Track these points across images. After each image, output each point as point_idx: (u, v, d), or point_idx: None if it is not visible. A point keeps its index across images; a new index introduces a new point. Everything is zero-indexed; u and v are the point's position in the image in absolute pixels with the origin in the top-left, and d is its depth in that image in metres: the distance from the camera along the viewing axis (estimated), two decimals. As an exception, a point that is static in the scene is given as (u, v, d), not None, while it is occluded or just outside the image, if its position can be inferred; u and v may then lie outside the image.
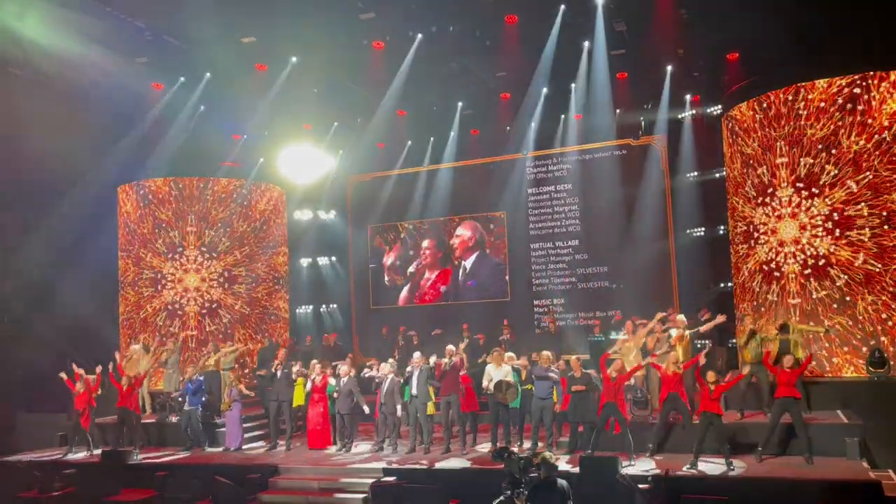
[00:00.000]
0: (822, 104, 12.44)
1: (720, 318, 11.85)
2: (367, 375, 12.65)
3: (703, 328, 11.95)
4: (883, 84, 12.20)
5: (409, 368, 11.84)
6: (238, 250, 16.84)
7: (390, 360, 12.32)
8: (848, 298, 12.19)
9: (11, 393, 14.32)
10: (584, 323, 17.77)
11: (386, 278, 20.52)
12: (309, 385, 12.55)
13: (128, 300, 16.65)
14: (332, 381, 12.37)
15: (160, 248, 16.39)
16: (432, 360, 11.72)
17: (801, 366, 10.33)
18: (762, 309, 13.02)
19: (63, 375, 12.86)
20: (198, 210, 16.54)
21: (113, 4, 12.73)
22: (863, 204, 12.18)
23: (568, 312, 18.31)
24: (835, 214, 12.35)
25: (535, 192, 18.99)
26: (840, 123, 12.30)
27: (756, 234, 13.33)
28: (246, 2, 12.91)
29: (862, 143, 12.17)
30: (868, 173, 12.15)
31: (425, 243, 20.17)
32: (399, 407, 11.64)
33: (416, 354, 11.99)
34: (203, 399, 12.90)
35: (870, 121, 12.19)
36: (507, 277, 19.20)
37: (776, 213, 12.95)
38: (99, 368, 13.04)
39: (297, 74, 15.30)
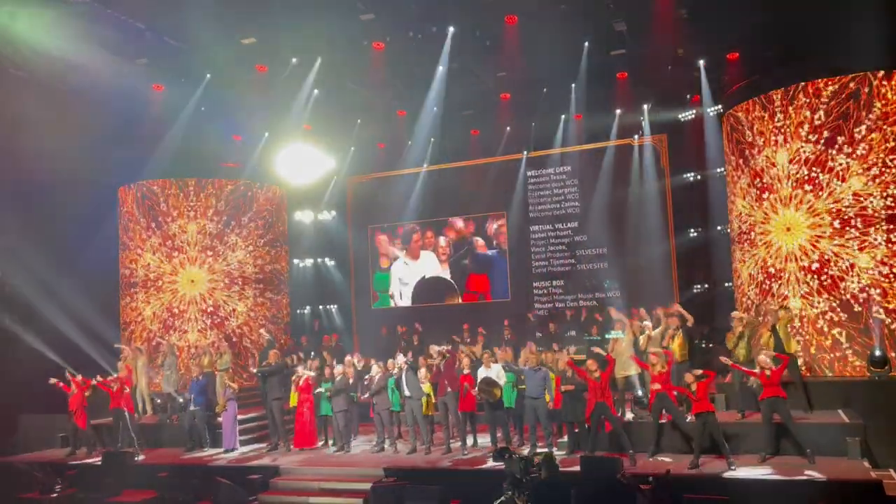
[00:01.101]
0: (824, 102, 12.42)
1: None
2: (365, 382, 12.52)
3: (682, 313, 11.88)
4: (884, 83, 12.16)
5: (394, 371, 11.86)
6: (239, 250, 16.82)
7: (389, 361, 12.32)
8: (857, 308, 12.06)
9: (13, 394, 14.32)
10: (585, 305, 17.87)
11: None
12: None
13: (127, 301, 16.64)
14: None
15: (160, 248, 16.38)
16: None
17: (780, 367, 10.31)
18: (761, 314, 12.97)
19: (53, 380, 12.90)
20: (198, 211, 16.54)
21: (113, 6, 12.72)
22: (870, 201, 12.05)
23: (567, 294, 18.41)
24: (837, 215, 12.29)
25: (535, 176, 19.16)
26: (842, 122, 12.27)
27: (754, 235, 13.33)
28: (246, 2, 12.89)
29: (865, 142, 12.13)
30: (875, 169, 12.07)
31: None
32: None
33: (400, 357, 12.04)
34: (203, 399, 12.92)
35: (878, 107, 12.06)
36: (507, 275, 19.34)
37: (776, 213, 12.93)
38: (80, 377, 13.11)
39: (297, 75, 15.30)
